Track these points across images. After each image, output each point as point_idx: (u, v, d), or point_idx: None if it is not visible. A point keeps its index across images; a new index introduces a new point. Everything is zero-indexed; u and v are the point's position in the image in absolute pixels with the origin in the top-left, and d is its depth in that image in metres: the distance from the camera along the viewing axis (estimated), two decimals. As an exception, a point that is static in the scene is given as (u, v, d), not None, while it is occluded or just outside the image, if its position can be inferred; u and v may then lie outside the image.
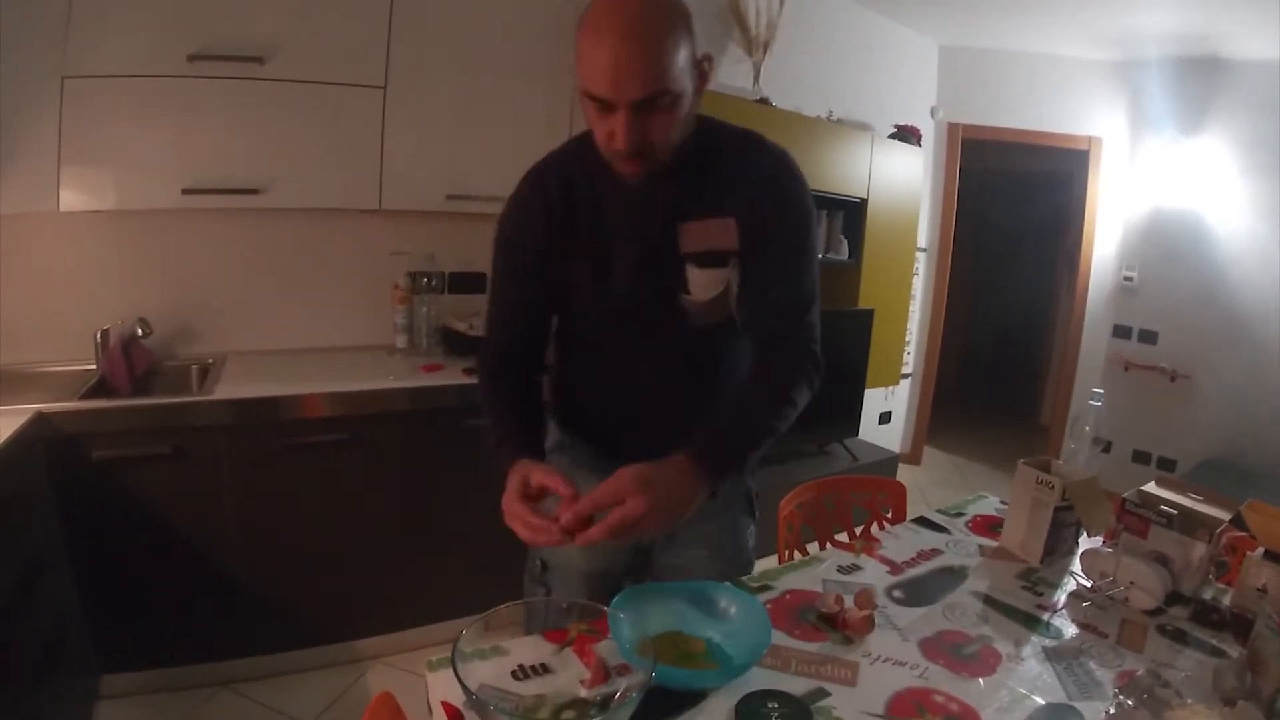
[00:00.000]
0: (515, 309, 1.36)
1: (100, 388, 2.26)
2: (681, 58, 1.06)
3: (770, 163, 1.26)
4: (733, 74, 3.51)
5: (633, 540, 1.24)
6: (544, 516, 1.04)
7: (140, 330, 2.41)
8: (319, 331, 2.84)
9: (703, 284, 1.25)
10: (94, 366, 2.34)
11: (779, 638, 1.14)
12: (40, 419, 1.91)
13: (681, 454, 1.08)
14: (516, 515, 1.06)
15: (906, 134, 4.18)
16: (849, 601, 1.23)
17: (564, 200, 1.25)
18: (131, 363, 2.34)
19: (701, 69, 1.13)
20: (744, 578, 1.36)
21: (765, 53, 3.48)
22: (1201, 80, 4.13)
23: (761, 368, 1.27)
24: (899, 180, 4.13)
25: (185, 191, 2.25)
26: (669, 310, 1.27)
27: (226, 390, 2.20)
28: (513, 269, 1.33)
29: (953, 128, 4.69)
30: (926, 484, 4.76)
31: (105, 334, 2.34)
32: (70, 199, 2.15)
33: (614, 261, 1.26)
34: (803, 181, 1.28)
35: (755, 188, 1.23)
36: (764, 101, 3.41)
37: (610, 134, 1.09)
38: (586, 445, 1.42)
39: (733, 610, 1.14)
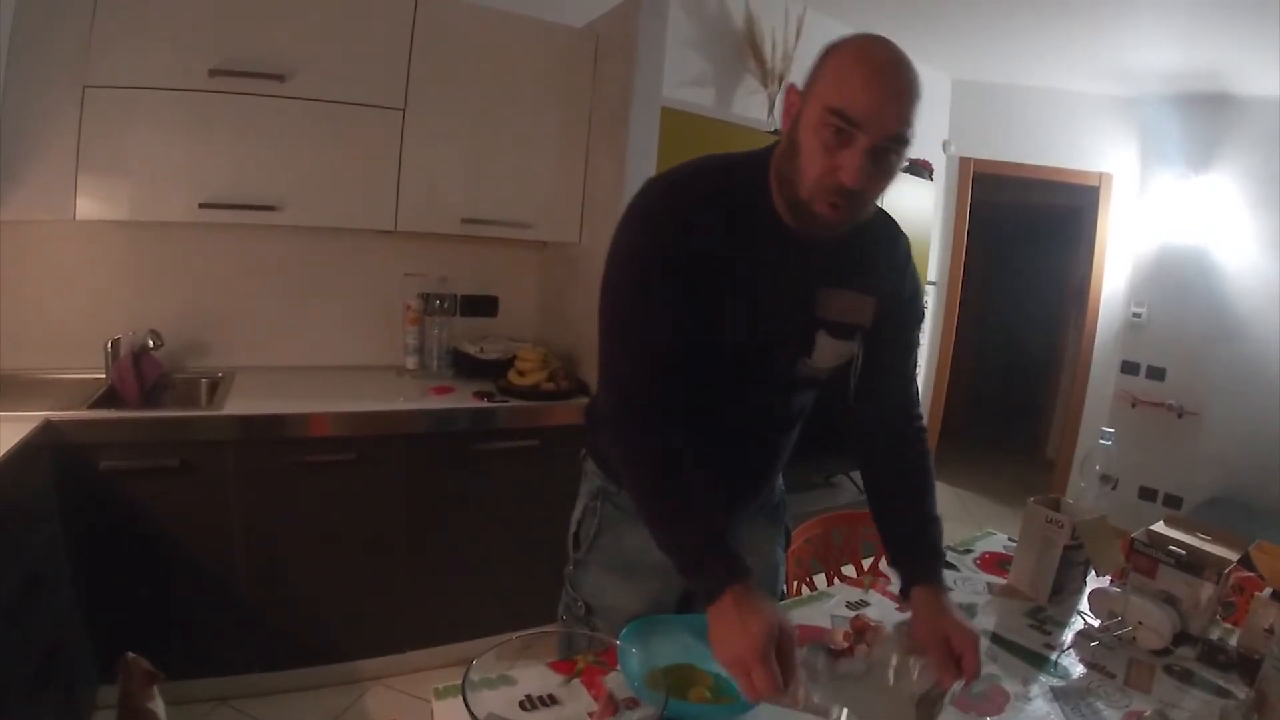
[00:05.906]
0: (667, 350, 1.10)
1: (109, 398, 2.26)
2: (917, 117, 1.02)
3: (907, 250, 1.29)
4: (747, 105, 3.54)
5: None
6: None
7: (151, 342, 2.41)
8: (329, 350, 2.85)
9: (829, 352, 1.21)
10: (104, 376, 2.35)
11: (786, 673, 1.13)
12: (48, 426, 1.91)
13: (931, 588, 1.15)
14: (767, 676, 0.89)
15: (918, 168, 4.20)
16: (846, 625, 1.23)
17: (727, 227, 1.12)
18: (141, 374, 2.35)
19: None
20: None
21: (781, 85, 3.51)
22: (1210, 117, 4.15)
23: (917, 469, 1.39)
24: (910, 214, 4.12)
25: (203, 206, 2.26)
26: (789, 369, 1.22)
27: (235, 406, 2.21)
28: (669, 299, 1.09)
29: (964, 162, 4.72)
30: (931, 516, 4.71)
31: (116, 344, 2.35)
32: (86, 207, 2.16)
33: (761, 308, 1.15)
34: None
35: (897, 273, 1.27)
36: (778, 133, 3.42)
37: (836, 167, 1.00)
38: None
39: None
